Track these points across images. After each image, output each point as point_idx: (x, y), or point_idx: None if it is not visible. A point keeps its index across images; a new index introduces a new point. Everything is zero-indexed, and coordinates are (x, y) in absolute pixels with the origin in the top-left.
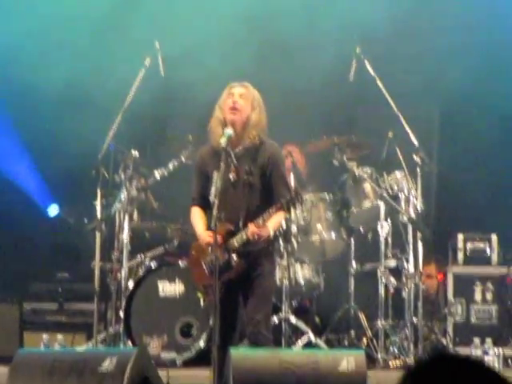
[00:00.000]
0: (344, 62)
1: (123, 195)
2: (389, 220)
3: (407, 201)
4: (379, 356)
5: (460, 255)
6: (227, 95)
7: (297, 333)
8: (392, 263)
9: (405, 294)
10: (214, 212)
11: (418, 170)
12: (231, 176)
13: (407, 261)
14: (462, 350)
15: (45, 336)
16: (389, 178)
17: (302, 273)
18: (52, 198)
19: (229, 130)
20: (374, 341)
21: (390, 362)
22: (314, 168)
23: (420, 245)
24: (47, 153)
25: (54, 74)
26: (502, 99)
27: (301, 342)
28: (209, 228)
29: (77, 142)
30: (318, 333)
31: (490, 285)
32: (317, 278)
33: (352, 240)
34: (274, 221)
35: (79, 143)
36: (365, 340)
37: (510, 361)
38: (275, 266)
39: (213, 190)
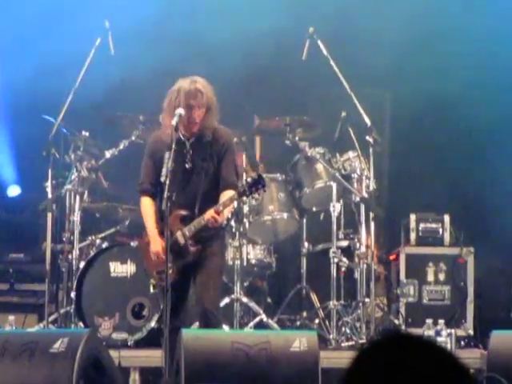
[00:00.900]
0: (297, 42)
1: (74, 176)
2: (341, 200)
3: (360, 181)
4: (331, 336)
5: (412, 236)
6: (185, 107)
7: (249, 313)
8: (344, 243)
9: (357, 275)
10: (165, 194)
11: (371, 150)
12: (186, 165)
13: (359, 241)
14: (415, 331)
15: None
16: (341, 158)
17: (254, 253)
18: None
19: (179, 111)
20: (327, 321)
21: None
22: (266, 148)
23: (372, 224)
24: None
25: None
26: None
27: (253, 323)
28: (160, 211)
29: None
30: (270, 313)
31: (442, 265)
32: (269, 258)
33: (304, 220)
34: (229, 208)
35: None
36: (317, 320)
37: (462, 342)
38: (225, 247)
39: (164, 171)
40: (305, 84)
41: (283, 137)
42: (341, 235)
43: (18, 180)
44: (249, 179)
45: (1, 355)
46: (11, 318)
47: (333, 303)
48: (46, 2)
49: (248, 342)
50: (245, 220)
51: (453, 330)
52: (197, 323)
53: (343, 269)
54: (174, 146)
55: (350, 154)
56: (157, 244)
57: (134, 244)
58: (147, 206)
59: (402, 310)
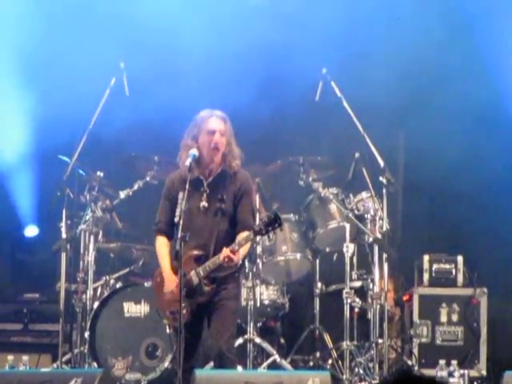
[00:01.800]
0: (310, 83)
1: (88, 216)
2: (354, 241)
3: (373, 221)
4: (344, 377)
5: (426, 276)
6: (207, 134)
7: (262, 354)
8: (357, 284)
9: (370, 315)
10: (179, 234)
11: (384, 190)
12: (201, 204)
13: (373, 281)
14: (428, 372)
15: (10, 357)
16: (355, 198)
17: (267, 293)
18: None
19: (193, 151)
20: (340, 362)
21: None
22: (279, 188)
23: (385, 266)
24: None
25: None
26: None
27: (266, 363)
28: (175, 252)
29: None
30: (283, 354)
31: (455, 306)
32: (282, 298)
33: (317, 261)
34: (244, 248)
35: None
36: (330, 361)
37: (475, 383)
38: (240, 290)
39: (177, 212)
40: (318, 124)
41: (297, 177)
42: (354, 276)
43: (35, 220)
44: (265, 218)
45: None
46: (25, 358)
47: (346, 344)
48: (59, 44)
49: (261, 383)
50: (258, 260)
51: (466, 371)
52: (211, 363)
53: (356, 309)
54: (187, 186)
55: (364, 194)
56: (171, 283)
57: (147, 284)
58: (162, 245)
59: (416, 350)
